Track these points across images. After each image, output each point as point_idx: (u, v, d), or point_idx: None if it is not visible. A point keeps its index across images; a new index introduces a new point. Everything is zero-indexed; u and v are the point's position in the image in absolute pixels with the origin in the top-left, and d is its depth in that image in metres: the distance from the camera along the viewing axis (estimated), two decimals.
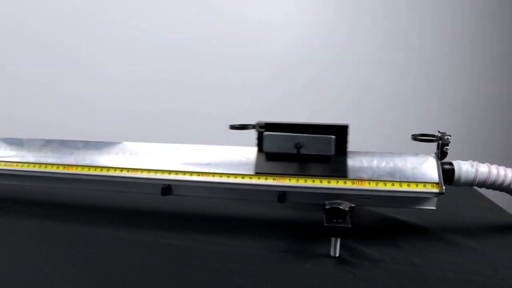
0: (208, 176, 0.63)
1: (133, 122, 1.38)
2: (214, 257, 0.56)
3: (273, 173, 0.62)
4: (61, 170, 0.69)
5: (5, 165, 0.72)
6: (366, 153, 0.64)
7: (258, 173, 0.63)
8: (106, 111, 1.37)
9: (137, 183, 0.66)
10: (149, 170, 0.65)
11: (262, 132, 0.63)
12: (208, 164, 0.64)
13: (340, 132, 0.62)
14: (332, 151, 0.61)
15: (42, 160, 0.70)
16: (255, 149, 0.65)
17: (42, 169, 0.70)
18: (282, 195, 0.62)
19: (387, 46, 1.51)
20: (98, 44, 1.34)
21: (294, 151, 0.61)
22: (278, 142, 0.62)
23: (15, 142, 0.74)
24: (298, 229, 0.67)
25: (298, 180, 0.61)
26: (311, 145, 0.61)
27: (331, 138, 0.61)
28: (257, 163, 0.64)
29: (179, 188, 0.65)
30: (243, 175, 0.63)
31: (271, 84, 1.44)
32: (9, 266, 0.54)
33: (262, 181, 0.62)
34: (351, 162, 0.63)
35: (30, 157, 0.71)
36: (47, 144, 0.72)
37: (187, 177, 0.63)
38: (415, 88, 1.54)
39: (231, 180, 0.63)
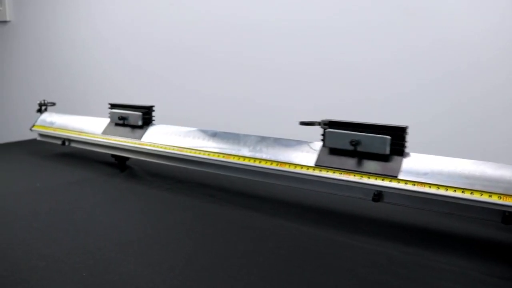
0: (425, 187, 0.63)
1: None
2: (426, 272, 0.57)
3: (332, 167, 0.71)
4: (274, 166, 0.76)
5: (223, 156, 0.83)
6: None
7: (318, 166, 0.73)
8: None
9: (349, 186, 0.70)
10: (361, 174, 0.68)
11: (325, 129, 0.72)
12: (425, 174, 0.64)
13: (396, 133, 0.67)
14: (387, 151, 0.66)
15: (257, 155, 0.79)
16: None
17: (257, 164, 0.78)
18: (509, 216, 0.60)
19: None
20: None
21: (351, 148, 0.69)
22: (337, 138, 0.71)
23: (232, 137, 0.85)
24: None
25: None
26: (367, 143, 0.68)
27: (386, 138, 0.66)
28: (319, 157, 0.73)
29: (391, 195, 0.67)
30: (463, 189, 0.61)
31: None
32: (217, 250, 0.63)
33: (484, 198, 0.60)
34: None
35: (245, 151, 0.81)
36: (262, 140, 0.81)
37: (401, 186, 0.65)
38: None
39: (448, 193, 0.62)
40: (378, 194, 0.67)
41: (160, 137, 0.97)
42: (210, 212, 0.79)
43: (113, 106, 1.09)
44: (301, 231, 0.70)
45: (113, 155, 1.08)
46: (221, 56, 1.42)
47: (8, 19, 2.10)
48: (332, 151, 0.73)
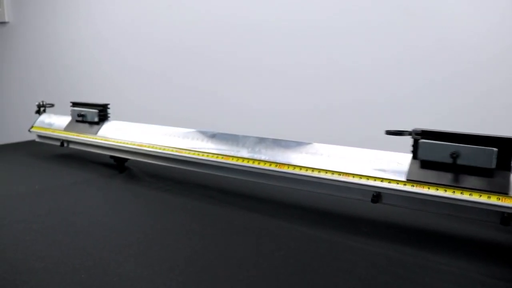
0: (423, 188, 0.64)
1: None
2: (425, 273, 0.57)
3: (426, 182, 0.64)
4: (273, 167, 0.77)
5: (222, 158, 0.83)
6: None
7: (409, 180, 0.65)
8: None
9: (348, 188, 0.70)
10: (361, 176, 0.68)
11: (418, 140, 0.66)
12: None
13: (503, 145, 0.61)
14: (492, 165, 0.60)
15: (256, 156, 0.79)
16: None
17: (255, 165, 0.79)
18: (508, 217, 0.60)
19: None
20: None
21: (450, 161, 0.62)
22: (434, 150, 0.64)
23: (231, 138, 0.85)
24: None
25: None
26: (469, 156, 0.62)
27: (492, 150, 0.60)
28: (410, 170, 0.66)
29: (390, 197, 0.68)
30: (462, 191, 0.62)
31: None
32: (216, 251, 0.64)
33: (483, 199, 0.60)
34: None
35: (244, 152, 0.81)
36: (260, 141, 0.81)
37: (400, 187, 0.65)
38: None
39: (447, 194, 0.62)
40: (377, 195, 0.67)
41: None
42: (210, 213, 0.80)
43: (74, 104, 1.20)
44: (301, 232, 0.70)
45: (112, 156, 1.09)
46: (221, 56, 1.43)
47: (6, 20, 2.11)
48: (425, 164, 0.66)
